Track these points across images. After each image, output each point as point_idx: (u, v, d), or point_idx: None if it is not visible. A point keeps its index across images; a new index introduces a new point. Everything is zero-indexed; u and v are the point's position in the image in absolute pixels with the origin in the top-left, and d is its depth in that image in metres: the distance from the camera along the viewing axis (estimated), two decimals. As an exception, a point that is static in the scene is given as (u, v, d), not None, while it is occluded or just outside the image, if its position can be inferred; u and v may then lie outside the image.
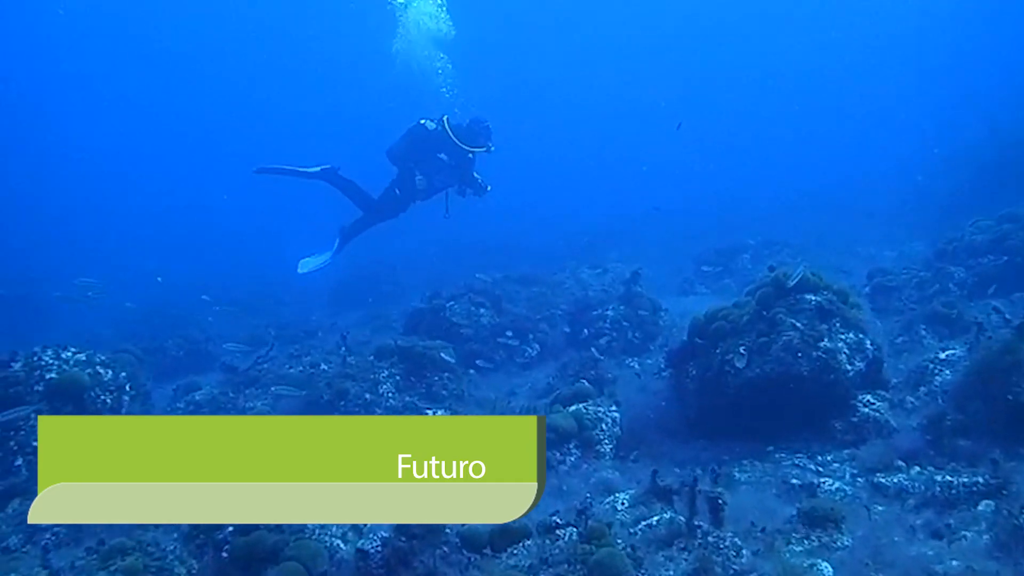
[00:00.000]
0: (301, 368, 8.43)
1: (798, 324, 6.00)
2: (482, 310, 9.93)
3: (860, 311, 6.23)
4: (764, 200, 28.54)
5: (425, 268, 24.20)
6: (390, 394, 7.61)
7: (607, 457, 6.16)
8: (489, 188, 9.59)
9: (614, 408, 6.53)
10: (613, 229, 24.29)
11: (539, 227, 25.31)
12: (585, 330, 9.95)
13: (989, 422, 5.07)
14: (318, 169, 9.47)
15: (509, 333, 9.51)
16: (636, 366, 8.79)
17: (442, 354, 7.90)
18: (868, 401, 5.79)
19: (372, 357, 8.03)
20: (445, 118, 9.24)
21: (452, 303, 9.93)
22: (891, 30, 49.24)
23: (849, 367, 5.86)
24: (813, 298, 6.19)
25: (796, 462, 5.66)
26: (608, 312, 9.95)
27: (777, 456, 5.80)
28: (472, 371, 9.32)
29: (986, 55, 41.30)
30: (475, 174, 9.44)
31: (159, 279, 20.01)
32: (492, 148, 9.30)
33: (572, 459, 6.05)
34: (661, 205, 10.14)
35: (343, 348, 8.45)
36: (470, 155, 9.25)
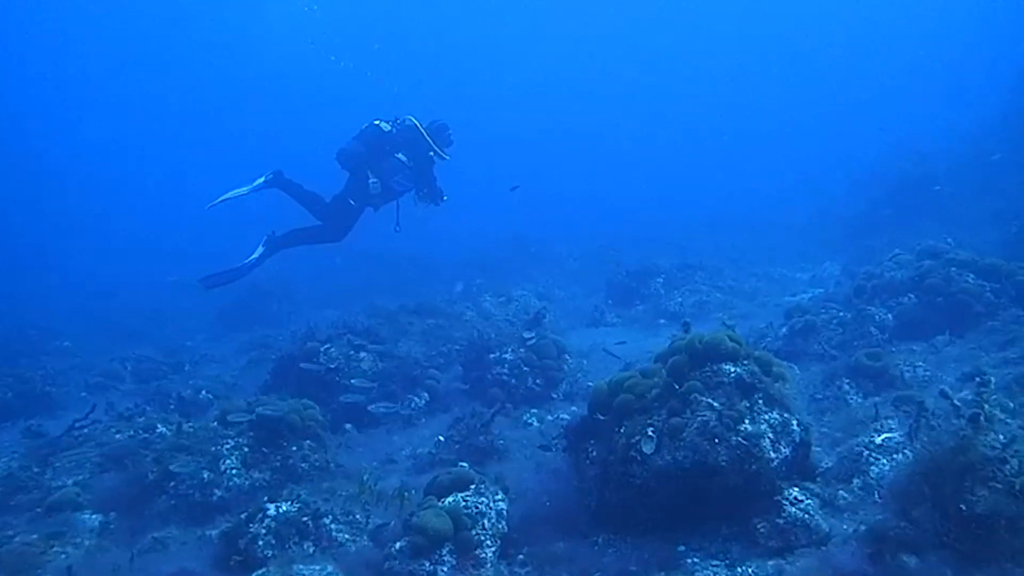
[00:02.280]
0: (131, 433, 6.96)
1: (715, 404, 5.03)
2: (362, 354, 8.65)
3: (784, 383, 5.32)
4: (684, 215, 28.35)
5: (328, 284, 22.64)
6: (234, 471, 6.26)
7: (488, 564, 5.03)
8: (445, 197, 9.09)
9: (500, 498, 5.42)
10: (531, 238, 23.32)
11: (455, 238, 24.18)
12: (484, 375, 8.84)
13: (939, 535, 4.21)
14: (262, 180, 8.75)
15: (354, 381, 8.24)
16: (535, 424, 7.73)
17: (302, 417, 6.56)
18: (795, 498, 4.86)
19: (215, 423, 6.64)
20: (412, 118, 8.82)
21: (328, 346, 8.62)
22: (813, 48, 50.62)
23: (773, 454, 4.93)
24: (732, 369, 5.24)
25: (713, 573, 4.69)
26: (507, 356, 8.86)
27: (690, 562, 4.83)
28: (349, 426, 8.08)
29: (900, 81, 42.80)
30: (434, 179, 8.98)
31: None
32: (447, 157, 8.87)
33: (445, 570, 4.90)
34: (519, 185, 9.27)
35: (179, 409, 7.04)
36: (431, 154, 8.75)
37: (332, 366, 8.35)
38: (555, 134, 48.22)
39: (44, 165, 46.06)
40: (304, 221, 8.95)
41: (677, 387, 5.25)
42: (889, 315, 8.80)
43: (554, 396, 8.60)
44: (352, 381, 8.08)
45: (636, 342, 11.16)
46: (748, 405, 5.09)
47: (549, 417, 7.81)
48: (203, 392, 9.55)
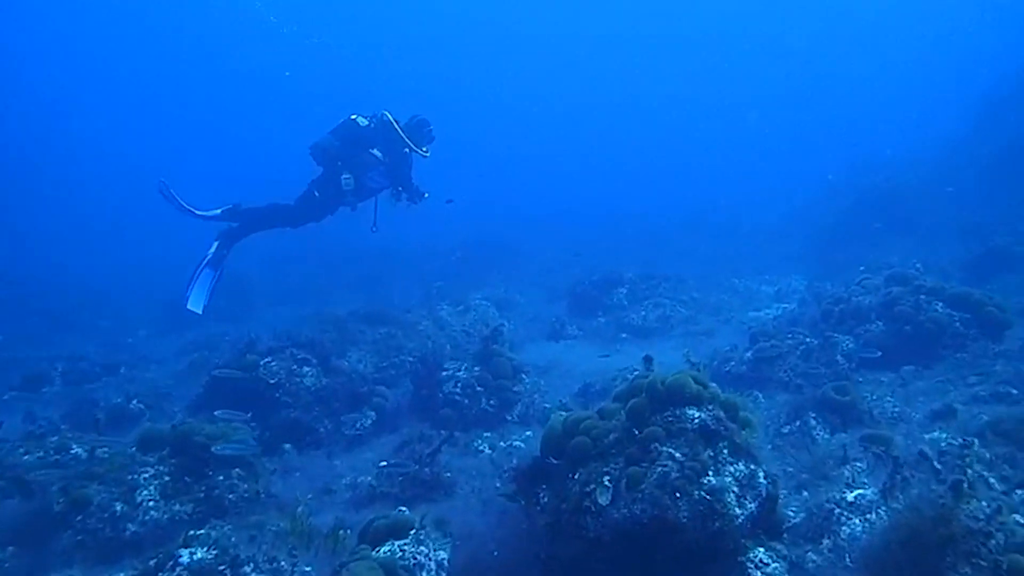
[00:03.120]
0: (42, 454, 6.33)
1: (677, 454, 4.62)
2: (305, 368, 8.10)
3: (752, 430, 4.94)
4: (656, 218, 28.13)
5: (285, 278, 21.90)
6: (151, 503, 5.69)
7: (424, 624, 4.58)
8: (426, 195, 8.90)
9: (442, 547, 4.96)
10: (494, 242, 22.85)
11: (423, 236, 23.61)
12: (435, 394, 8.36)
13: (917, 614, 3.87)
14: (219, 211, 8.52)
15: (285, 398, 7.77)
16: (486, 451, 7.27)
17: (225, 448, 5.99)
18: (761, 560, 4.49)
19: (134, 448, 6.06)
20: (387, 113, 8.53)
21: (269, 360, 8.04)
22: (795, 54, 50.84)
23: (739, 510, 4.54)
24: (696, 414, 4.84)
25: (669, 645, 4.30)
26: (460, 373, 8.38)
27: (646, 626, 4.43)
28: (288, 447, 7.54)
29: (875, 90, 43.16)
30: (411, 176, 8.78)
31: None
32: (427, 153, 8.61)
33: (375, 631, 4.43)
34: (453, 199, 9.00)
35: (98, 425, 6.44)
36: (406, 150, 8.47)
37: (272, 381, 7.78)
38: (533, 135, 47.84)
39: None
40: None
41: (637, 432, 4.84)
42: (855, 344, 8.50)
43: (508, 418, 8.16)
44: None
45: (596, 359, 10.79)
46: (712, 455, 4.70)
47: (502, 443, 7.36)
48: (134, 401, 8.91)
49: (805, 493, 5.87)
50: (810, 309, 11.35)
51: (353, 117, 8.54)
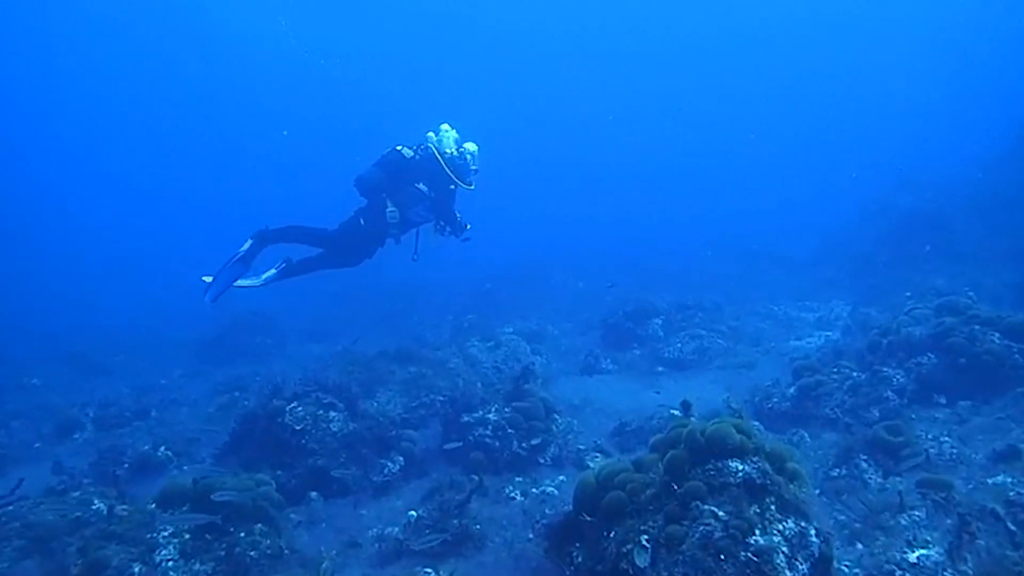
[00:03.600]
0: (63, 511, 6.19)
1: (720, 512, 4.29)
2: (332, 413, 7.89)
3: (801, 484, 4.59)
4: (691, 243, 27.69)
5: (314, 314, 21.88)
6: (171, 563, 5.49)
7: None
8: (469, 227, 8.53)
9: (470, 612, 4.67)
10: (523, 272, 22.61)
11: (447, 267, 23.49)
12: (465, 437, 8.09)
13: None
14: (249, 243, 7.91)
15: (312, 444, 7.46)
16: (518, 497, 6.96)
17: (253, 497, 5.80)
18: (816, 630, 4.12)
19: (153, 505, 5.88)
20: (432, 142, 8.34)
21: (295, 405, 7.86)
22: (827, 73, 50.22)
23: (790, 573, 4.18)
24: (740, 467, 4.51)
25: None
26: (490, 416, 8.11)
27: None
28: (315, 495, 7.32)
29: (912, 109, 42.35)
30: (457, 212, 8.47)
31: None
32: (472, 186, 8.41)
33: None
34: (470, 238, 8.67)
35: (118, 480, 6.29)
36: (452, 187, 8.22)
37: (298, 427, 7.59)
38: (562, 159, 47.75)
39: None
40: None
41: (676, 487, 4.52)
42: (906, 378, 8.05)
43: (541, 461, 7.84)
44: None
45: (635, 393, 10.45)
46: (759, 511, 4.36)
47: (534, 490, 7.05)
48: (162, 448, 8.80)
49: (860, 545, 5.48)
50: (855, 339, 10.89)
51: (399, 148, 8.37)
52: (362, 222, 8.23)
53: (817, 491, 6.46)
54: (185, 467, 8.47)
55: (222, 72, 49.76)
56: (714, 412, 8.38)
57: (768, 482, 4.47)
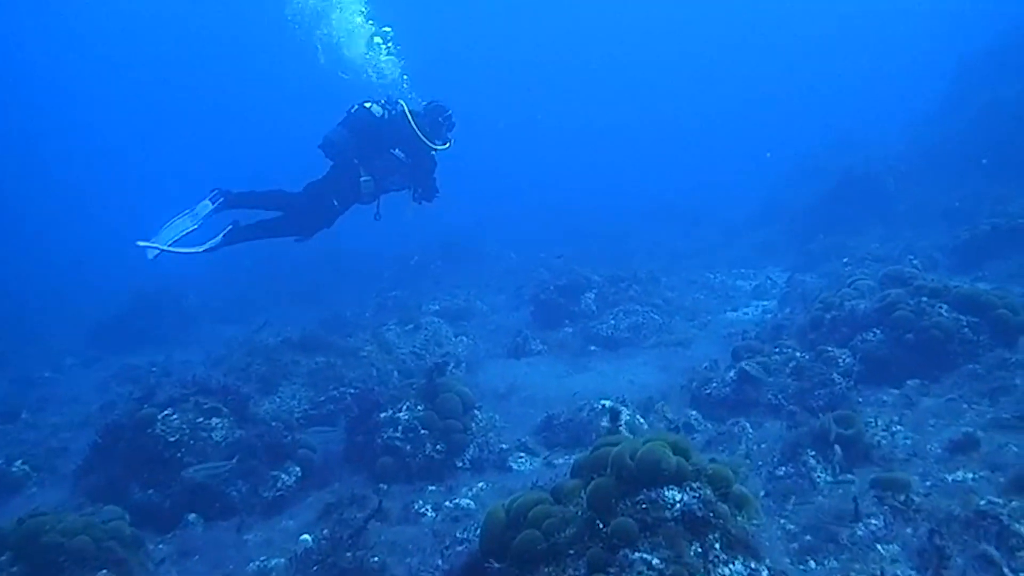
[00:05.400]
0: None
1: (654, 560, 3.48)
2: (215, 419, 6.82)
3: (749, 511, 3.82)
4: (631, 207, 27.05)
5: (231, 290, 20.41)
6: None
7: None
8: (439, 193, 8.09)
9: None
10: (457, 243, 21.49)
11: (378, 236, 22.24)
12: (372, 440, 7.15)
13: None
14: (209, 206, 7.28)
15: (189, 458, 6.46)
16: (429, 513, 6.07)
17: (95, 537, 4.74)
18: None
19: (-31, 556, 4.77)
20: (402, 102, 7.57)
21: (169, 412, 6.75)
22: (766, 38, 50.04)
23: (737, 628, 3.43)
24: (677, 498, 3.70)
25: None
26: (401, 415, 7.17)
27: None
28: (193, 517, 6.30)
29: (845, 72, 42.48)
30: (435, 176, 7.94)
31: None
32: (451, 143, 7.80)
33: None
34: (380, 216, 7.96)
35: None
36: (432, 153, 7.67)
37: (173, 439, 6.51)
38: (499, 124, 46.44)
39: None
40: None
41: (601, 525, 3.69)
42: (853, 358, 7.45)
43: (459, 465, 6.95)
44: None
45: (566, 378, 9.67)
46: (700, 552, 3.57)
47: (448, 503, 6.16)
48: (18, 463, 7.57)
49: (812, 563, 4.81)
50: (796, 312, 10.33)
51: (367, 105, 7.52)
52: (336, 203, 7.52)
53: (763, 492, 5.81)
54: (46, 486, 7.30)
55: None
56: (648, 401, 7.71)
57: (711, 514, 3.67)
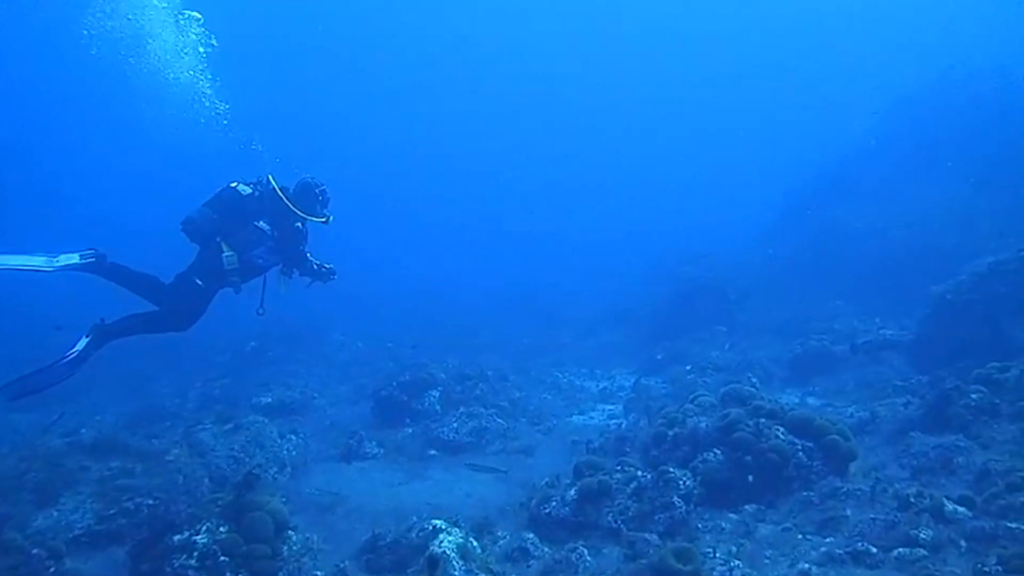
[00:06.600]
0: None
1: None
2: (-49, 549, 5.52)
3: None
4: (476, 297, 26.90)
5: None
6: None
7: None
8: (335, 274, 7.90)
9: None
10: (289, 331, 19.94)
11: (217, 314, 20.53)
12: (161, 568, 6.04)
13: None
14: (76, 259, 6.51)
15: None
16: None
17: None
18: None
19: None
20: (271, 176, 7.28)
21: None
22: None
23: None
24: None
25: None
26: (199, 537, 6.14)
27: None
28: None
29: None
30: (307, 252, 7.62)
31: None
32: (330, 218, 7.50)
33: None
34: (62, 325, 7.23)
35: None
36: (299, 224, 7.30)
37: None
38: (349, 199, 45.76)
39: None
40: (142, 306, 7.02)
41: None
42: (693, 480, 7.27)
43: (263, 601, 6.00)
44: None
45: (398, 487, 8.91)
46: None
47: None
48: None
49: None
50: (640, 420, 10.23)
51: (233, 185, 7.20)
52: (199, 281, 6.92)
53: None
54: None
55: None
56: (484, 521, 7.13)
57: None
